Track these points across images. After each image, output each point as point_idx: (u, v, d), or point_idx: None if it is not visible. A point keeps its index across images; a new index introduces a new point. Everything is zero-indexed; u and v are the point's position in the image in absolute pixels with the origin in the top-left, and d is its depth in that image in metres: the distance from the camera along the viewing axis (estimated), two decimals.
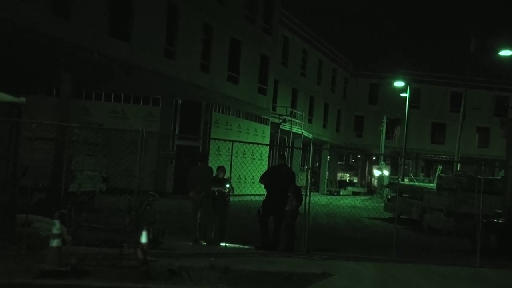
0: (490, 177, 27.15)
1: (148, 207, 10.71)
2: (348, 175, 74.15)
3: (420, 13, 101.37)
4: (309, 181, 14.12)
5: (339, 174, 70.03)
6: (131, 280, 9.64)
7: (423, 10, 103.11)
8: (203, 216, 14.55)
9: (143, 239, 10.68)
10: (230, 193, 14.78)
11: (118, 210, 12.72)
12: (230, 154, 14.37)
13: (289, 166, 17.49)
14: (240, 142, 15.14)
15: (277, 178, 14.62)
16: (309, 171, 13.94)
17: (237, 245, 14.49)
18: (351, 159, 74.73)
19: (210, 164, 26.57)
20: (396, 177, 53.80)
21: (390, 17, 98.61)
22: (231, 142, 14.67)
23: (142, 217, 10.42)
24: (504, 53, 31.29)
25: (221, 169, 15.02)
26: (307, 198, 13.92)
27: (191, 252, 12.83)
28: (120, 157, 26.55)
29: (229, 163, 14.22)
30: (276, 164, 16.42)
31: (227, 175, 15.02)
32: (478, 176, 16.43)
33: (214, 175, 15.07)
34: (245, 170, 26.11)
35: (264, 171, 16.61)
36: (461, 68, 45.79)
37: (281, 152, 26.88)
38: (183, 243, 14.15)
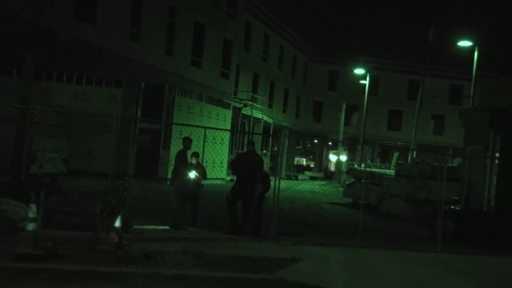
0: (448, 165, 27.86)
1: (125, 192, 10.84)
2: (305, 159, 74.91)
3: (381, 2, 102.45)
4: (279, 167, 14.39)
5: (296, 159, 70.67)
6: (107, 264, 9.76)
7: None
8: (182, 201, 14.64)
9: (118, 223, 10.83)
10: (202, 179, 14.97)
11: (89, 193, 12.75)
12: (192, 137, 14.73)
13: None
14: (203, 127, 15.20)
15: (245, 164, 14.87)
16: (280, 157, 14.17)
17: (205, 230, 14.66)
18: (307, 144, 75.42)
19: (172, 148, 26.67)
20: (353, 162, 54.73)
21: (351, 5, 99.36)
22: (192, 126, 14.78)
23: (118, 202, 10.55)
24: (463, 43, 31.96)
25: (194, 155, 15.12)
26: (276, 183, 14.20)
27: (161, 237, 12.96)
28: (81, 140, 26.51)
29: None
30: (244, 150, 16.62)
31: (192, 161, 15.12)
32: (441, 164, 16.98)
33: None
34: (206, 154, 26.20)
35: (232, 158, 16.81)
36: (418, 56, 46.70)
37: (250, 139, 27.07)
38: (152, 227, 14.25)
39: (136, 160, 31.27)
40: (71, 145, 25.65)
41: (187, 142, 15.15)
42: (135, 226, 13.00)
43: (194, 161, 14.93)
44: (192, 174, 14.71)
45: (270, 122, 50.40)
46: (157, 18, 31.66)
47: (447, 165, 24.08)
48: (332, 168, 65.81)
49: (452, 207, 19.05)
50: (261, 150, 48.13)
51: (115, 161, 11.62)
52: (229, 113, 39.08)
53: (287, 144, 59.41)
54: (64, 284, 8.80)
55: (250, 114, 44.91)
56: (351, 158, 60.42)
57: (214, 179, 30.53)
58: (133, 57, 29.54)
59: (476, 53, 30.97)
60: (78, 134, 26.08)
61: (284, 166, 58.29)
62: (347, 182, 37.60)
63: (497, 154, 18.69)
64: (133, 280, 9.19)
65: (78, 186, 17.31)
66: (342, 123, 55.74)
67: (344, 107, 55.81)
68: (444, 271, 11.92)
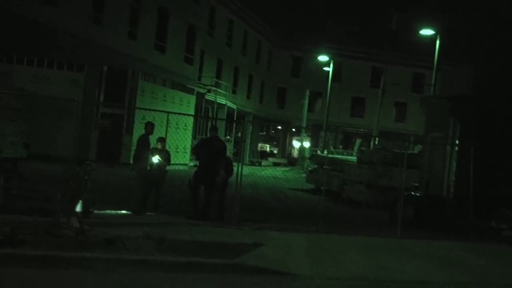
0: (409, 152, 28.21)
1: (86, 177, 10.75)
2: (268, 146, 75.07)
3: None
4: (242, 152, 14.42)
5: (260, 145, 70.80)
6: (68, 249, 9.69)
7: None
8: (144, 186, 14.53)
9: (79, 208, 10.75)
10: (165, 165, 14.92)
11: (50, 178, 12.62)
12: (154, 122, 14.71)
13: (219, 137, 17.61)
14: (166, 112, 15.10)
15: (209, 149, 14.88)
16: (243, 143, 14.19)
17: (168, 215, 14.61)
18: (271, 130, 75.63)
19: (135, 133, 26.47)
20: (316, 149, 55.05)
21: None
22: (158, 111, 14.76)
23: (80, 187, 10.47)
24: (425, 32, 32.30)
25: (160, 140, 15.04)
26: (239, 169, 14.24)
27: (123, 222, 12.90)
28: (42, 124, 26.12)
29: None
30: (208, 135, 16.61)
31: (157, 146, 15.04)
32: (402, 151, 17.20)
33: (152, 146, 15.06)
34: (169, 140, 26.10)
35: (196, 143, 16.77)
36: (382, 44, 46.96)
37: (213, 124, 27.01)
38: (114, 212, 14.16)
39: (98, 144, 30.95)
40: (32, 129, 25.25)
41: (149, 126, 15.05)
42: (96, 211, 12.91)
43: (159, 146, 14.86)
44: (155, 159, 14.64)
45: (234, 108, 50.38)
46: (120, 2, 31.32)
47: (408, 152, 24.49)
48: (295, 154, 66.10)
49: (413, 193, 19.31)
50: (225, 136, 48.12)
51: (76, 145, 11.50)
52: (192, 99, 38.92)
53: (250, 130, 59.54)
54: (24, 269, 8.70)
55: (214, 100, 44.83)
56: (314, 145, 60.75)
57: (177, 164, 30.41)
58: (95, 41, 29.18)
59: (437, 42, 31.34)
60: (39, 118, 25.69)
61: (247, 152, 58.44)
62: (309, 168, 37.77)
63: (457, 141, 18.99)
64: (94, 265, 9.13)
65: (39, 170, 17.16)
66: (306, 109, 55.94)
67: (307, 93, 56.01)
68: (404, 256, 12.13)
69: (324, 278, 9.83)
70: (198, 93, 41.27)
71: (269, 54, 65.00)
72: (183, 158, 35.54)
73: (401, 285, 10.04)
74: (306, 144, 57.58)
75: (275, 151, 72.01)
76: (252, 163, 53.86)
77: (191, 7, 40.30)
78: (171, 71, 36.82)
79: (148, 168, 14.43)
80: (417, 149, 31.35)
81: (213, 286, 8.87)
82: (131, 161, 15.36)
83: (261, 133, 72.08)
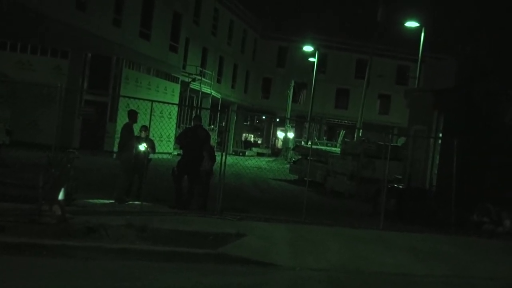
0: (392, 144, 28.31)
1: (69, 165, 10.67)
2: (252, 136, 75.06)
3: None
4: (226, 142, 14.40)
5: (244, 135, 70.75)
6: (49, 237, 9.64)
7: None
8: (128, 174, 14.43)
9: (61, 196, 10.68)
10: (151, 153, 14.85)
11: (32, 165, 12.50)
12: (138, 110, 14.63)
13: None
14: (150, 101, 14.97)
15: (192, 138, 14.83)
16: (227, 133, 14.18)
17: (150, 204, 14.54)
18: (255, 120, 75.57)
19: (118, 121, 26.32)
20: (300, 139, 55.14)
21: None
22: (142, 100, 14.69)
23: (62, 174, 10.39)
24: (410, 24, 32.35)
25: (143, 128, 14.94)
26: (222, 159, 14.21)
27: (105, 210, 12.84)
28: (26, 110, 25.90)
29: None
30: (191, 124, 16.54)
31: (141, 134, 14.98)
32: (386, 143, 17.25)
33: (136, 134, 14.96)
34: (153, 128, 25.99)
35: (180, 132, 16.68)
36: (366, 36, 47.08)
37: (197, 113, 26.95)
38: (96, 201, 14.08)
39: (82, 132, 30.79)
40: (15, 116, 25.05)
41: (132, 115, 14.91)
42: (79, 199, 12.84)
43: (143, 135, 14.79)
44: (142, 147, 14.58)
45: (219, 97, 50.30)
46: None
47: (392, 144, 24.57)
48: (279, 145, 66.13)
49: (395, 185, 19.39)
50: (209, 125, 48.04)
51: (59, 132, 11.40)
52: (177, 87, 38.81)
53: (235, 120, 59.46)
54: (5, 256, 8.64)
55: (198, 89, 44.71)
56: (298, 135, 60.81)
57: (161, 153, 30.34)
58: (79, 27, 28.94)
59: (422, 34, 31.41)
60: (22, 104, 25.48)
61: (231, 141, 58.39)
62: (293, 159, 37.85)
63: (440, 135, 19.08)
64: (76, 253, 9.10)
65: (21, 157, 17.01)
66: (290, 100, 55.94)
67: (292, 84, 55.98)
68: (386, 248, 12.19)
69: (306, 269, 9.87)
70: (182, 81, 41.14)
71: (254, 43, 64.83)
72: (167, 147, 35.46)
73: (382, 276, 10.10)
74: (290, 135, 57.62)
75: (259, 141, 72.03)
76: (236, 153, 53.83)
77: None
78: (156, 59, 36.62)
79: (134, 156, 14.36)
80: (400, 141, 31.47)
81: (195, 276, 8.86)
82: (115, 150, 15.22)
83: (245, 123, 71.98)
